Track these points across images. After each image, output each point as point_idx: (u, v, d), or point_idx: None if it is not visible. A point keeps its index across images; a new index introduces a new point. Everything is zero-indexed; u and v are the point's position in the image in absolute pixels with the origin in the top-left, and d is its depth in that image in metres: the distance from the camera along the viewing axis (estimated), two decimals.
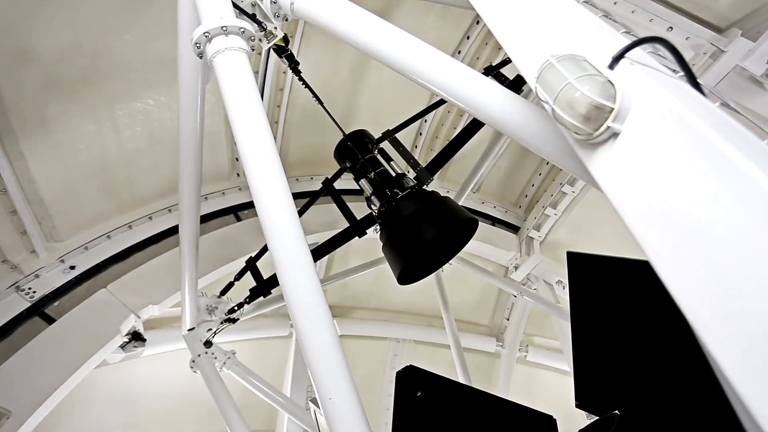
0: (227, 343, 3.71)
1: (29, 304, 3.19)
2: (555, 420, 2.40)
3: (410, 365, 2.30)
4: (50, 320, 3.20)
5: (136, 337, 3.57)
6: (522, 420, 2.42)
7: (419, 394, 2.19)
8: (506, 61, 3.62)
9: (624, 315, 1.95)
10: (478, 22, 4.38)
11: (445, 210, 2.52)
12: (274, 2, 1.96)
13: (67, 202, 3.44)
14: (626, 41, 0.95)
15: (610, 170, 0.80)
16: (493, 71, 3.53)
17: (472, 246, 5.40)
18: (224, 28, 1.70)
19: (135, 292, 3.48)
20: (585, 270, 2.09)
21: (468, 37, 4.48)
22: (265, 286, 3.23)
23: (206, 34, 1.70)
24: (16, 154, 3.02)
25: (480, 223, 5.72)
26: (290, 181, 5.04)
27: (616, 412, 1.94)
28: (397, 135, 3.03)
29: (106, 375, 3.86)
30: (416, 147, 5.17)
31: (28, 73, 2.84)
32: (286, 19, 2.01)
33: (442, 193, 5.97)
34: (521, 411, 2.55)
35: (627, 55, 0.88)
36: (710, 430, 1.70)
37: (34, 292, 3.24)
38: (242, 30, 1.74)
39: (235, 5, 1.92)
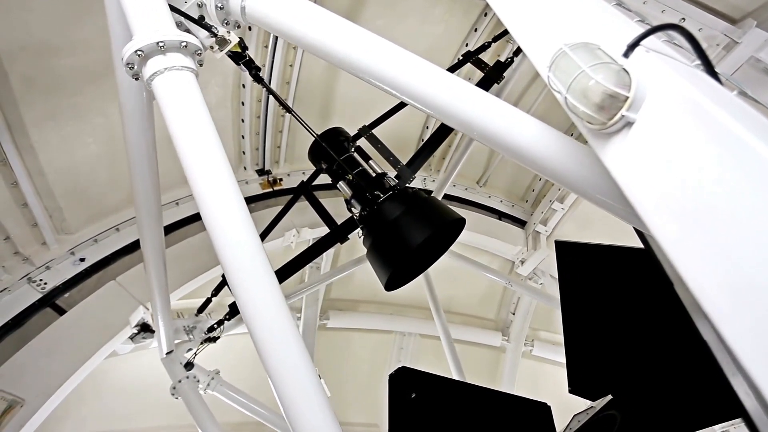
0: (231, 336, 3.72)
1: (41, 296, 3.24)
2: (549, 407, 2.44)
3: (402, 366, 2.31)
4: (61, 311, 3.25)
5: (145, 328, 3.61)
6: (517, 409, 2.46)
7: (413, 395, 2.18)
8: (484, 47, 3.50)
9: (612, 300, 1.99)
10: (486, 14, 4.33)
11: (431, 212, 2.37)
12: (221, 8, 1.68)
13: (76, 195, 3.47)
14: (640, 30, 0.93)
15: (623, 160, 0.79)
16: (471, 57, 3.41)
17: (478, 240, 5.42)
18: (161, 44, 1.41)
19: (144, 284, 3.52)
20: (573, 258, 2.11)
21: (475, 30, 4.44)
22: None
23: (139, 53, 1.40)
24: (26, 147, 3.05)
25: (486, 217, 5.74)
26: (297, 174, 5.06)
27: (610, 396, 1.96)
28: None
29: (116, 365, 3.93)
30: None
31: (38, 67, 2.86)
32: (238, 26, 1.76)
33: (449, 189, 5.92)
34: (515, 401, 2.59)
35: (642, 42, 0.86)
36: (701, 406, 1.73)
37: (46, 283, 3.29)
38: (184, 44, 1.45)
39: (174, 9, 1.62)
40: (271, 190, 4.58)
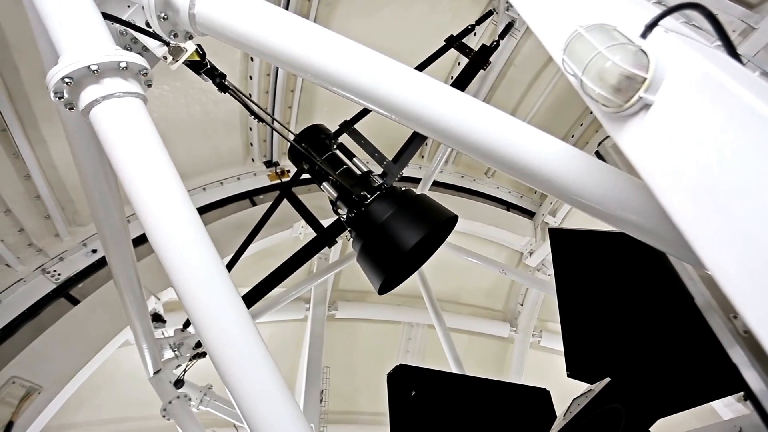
0: None
1: (55, 286, 3.31)
2: (548, 392, 2.46)
3: (401, 365, 2.30)
4: (75, 301, 3.32)
5: (156, 318, 3.66)
6: (517, 397, 2.49)
7: (413, 393, 2.19)
8: (468, 30, 3.37)
9: (606, 284, 2.02)
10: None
11: (422, 212, 2.25)
12: (165, 18, 1.38)
13: None
14: (657, 10, 0.91)
15: (640, 143, 0.77)
16: (455, 42, 3.28)
17: (485, 231, 5.39)
18: (94, 69, 1.13)
19: (155, 275, 3.56)
20: (567, 245, 2.13)
21: None
22: None
23: (67, 81, 1.13)
24: (38, 140, 3.08)
25: (494, 208, 5.70)
26: None
27: (608, 378, 1.98)
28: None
29: (129, 354, 4.00)
30: None
31: None
32: (191, 37, 1.53)
33: (457, 180, 5.89)
34: (515, 389, 2.63)
35: (660, 23, 0.84)
36: (700, 381, 1.75)
37: (59, 274, 3.35)
38: (124, 65, 1.19)
39: (111, 18, 1.34)
40: (279, 181, 4.60)
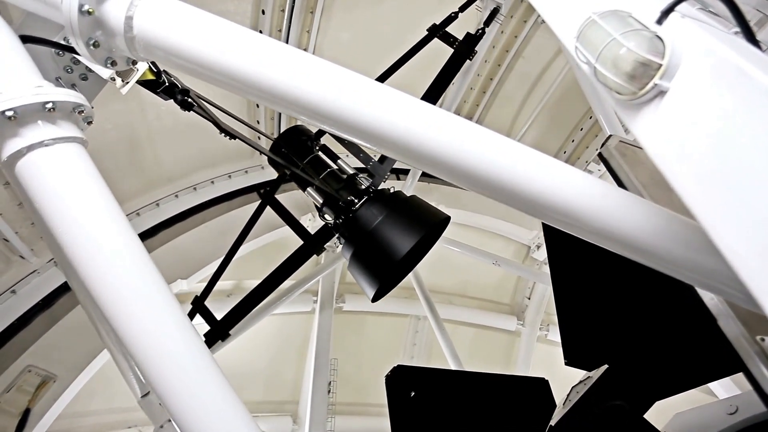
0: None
1: None
2: (547, 381, 2.48)
3: (398, 365, 2.28)
4: None
5: None
6: (516, 388, 2.51)
7: (413, 394, 2.17)
8: (452, 18, 3.22)
9: (600, 270, 2.01)
10: None
11: (413, 216, 2.17)
12: (95, 45, 1.10)
13: None
14: None
15: (655, 131, 0.76)
16: (438, 31, 3.13)
17: (492, 224, 5.37)
18: (9, 115, 0.92)
19: (164, 267, 3.57)
20: (560, 233, 2.12)
21: None
22: (222, 327, 2.62)
23: None
24: None
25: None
26: None
27: (606, 365, 1.99)
28: None
29: None
30: None
31: None
32: (134, 63, 1.31)
33: None
34: (513, 381, 2.65)
35: (677, 8, 0.82)
36: (696, 363, 1.76)
37: None
38: (50, 106, 0.97)
39: (35, 41, 1.12)
40: (284, 174, 4.61)
